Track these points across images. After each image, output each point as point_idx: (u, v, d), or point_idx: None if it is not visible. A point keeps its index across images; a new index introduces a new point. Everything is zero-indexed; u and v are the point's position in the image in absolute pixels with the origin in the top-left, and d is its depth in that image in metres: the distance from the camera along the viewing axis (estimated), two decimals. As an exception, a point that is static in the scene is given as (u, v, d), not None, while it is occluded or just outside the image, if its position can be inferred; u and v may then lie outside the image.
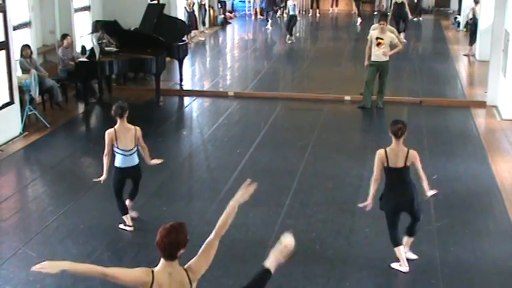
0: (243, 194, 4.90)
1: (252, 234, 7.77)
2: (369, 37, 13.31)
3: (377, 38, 13.01)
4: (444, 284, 6.80)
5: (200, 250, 4.37)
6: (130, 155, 7.87)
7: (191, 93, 14.85)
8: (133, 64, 14.02)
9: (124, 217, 8.03)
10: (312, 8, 28.02)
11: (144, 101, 14.13)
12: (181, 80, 15.64)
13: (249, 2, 28.40)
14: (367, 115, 13.18)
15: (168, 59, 15.06)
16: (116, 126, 7.83)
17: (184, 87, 15.35)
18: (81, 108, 13.65)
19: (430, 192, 7.02)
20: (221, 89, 15.40)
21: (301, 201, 8.87)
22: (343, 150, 11.03)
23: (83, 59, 13.78)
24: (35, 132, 11.78)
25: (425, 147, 10.69)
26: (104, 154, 7.84)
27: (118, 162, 7.89)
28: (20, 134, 11.63)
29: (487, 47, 15.15)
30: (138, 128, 7.96)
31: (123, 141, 7.79)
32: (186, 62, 16.74)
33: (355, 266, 7.20)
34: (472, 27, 19.28)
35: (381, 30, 13.03)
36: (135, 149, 7.92)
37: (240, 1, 29.19)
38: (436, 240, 7.68)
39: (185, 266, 4.28)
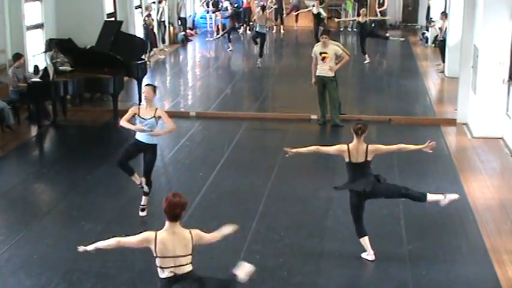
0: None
1: (216, 261, 7.51)
2: (313, 54, 13.40)
3: (321, 53, 13.15)
4: (419, 310, 6.63)
5: (207, 235, 5.54)
6: (147, 124, 8.50)
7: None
8: (89, 84, 13.79)
9: (132, 178, 8.86)
10: (275, 24, 27.93)
11: (101, 123, 13.80)
12: (140, 100, 15.21)
13: (211, 18, 28.17)
14: (335, 134, 13.06)
15: (126, 78, 14.84)
16: (140, 105, 8.73)
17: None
18: (34, 131, 13.29)
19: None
20: (182, 109, 15.16)
21: (268, 226, 8.68)
22: (311, 172, 10.88)
23: (36, 79, 13.46)
24: (-16, 157, 11.38)
25: (395, 166, 10.59)
26: (122, 119, 8.66)
27: (137, 135, 8.69)
28: (-31, 159, 11.19)
29: (456, 63, 15.22)
30: (159, 109, 8.72)
31: (144, 110, 8.55)
32: (145, 81, 16.39)
33: (326, 293, 7.03)
34: (441, 43, 19.33)
35: (323, 44, 13.15)
36: (153, 120, 8.52)
37: (201, 17, 28.97)
38: (407, 264, 7.59)
39: (191, 229, 5.33)
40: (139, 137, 8.68)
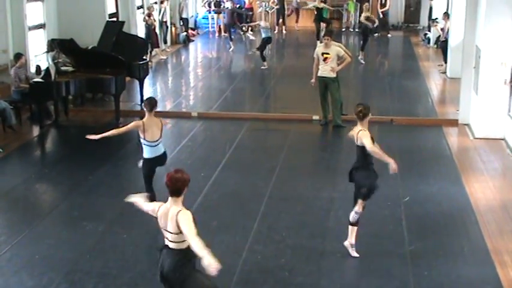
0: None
1: (217, 261, 7.42)
2: (315, 55, 13.41)
3: (323, 54, 13.14)
4: (420, 311, 6.62)
5: (187, 225, 5.34)
6: (156, 145, 8.43)
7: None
8: (91, 84, 13.74)
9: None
10: (277, 24, 27.91)
11: (102, 123, 13.73)
12: (141, 100, 15.21)
13: (212, 18, 28.15)
14: (336, 135, 13.02)
15: (128, 78, 14.81)
16: (144, 119, 8.37)
17: (146, 108, 14.98)
18: (35, 131, 13.25)
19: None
20: (184, 110, 15.11)
21: (269, 226, 8.64)
22: (312, 172, 10.86)
23: (38, 79, 13.45)
24: (-14, 157, 11.37)
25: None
26: (118, 129, 8.63)
27: (146, 154, 8.50)
28: (-29, 159, 11.19)
29: (458, 64, 15.15)
30: (161, 118, 8.65)
31: (150, 134, 8.34)
32: (147, 81, 16.49)
33: (327, 294, 7.01)
34: (443, 43, 19.29)
35: (325, 45, 13.15)
36: (161, 139, 8.50)
37: (203, 18, 28.94)
38: (409, 265, 7.55)
39: (182, 210, 5.42)
40: (149, 154, 8.49)
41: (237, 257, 7.62)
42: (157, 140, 8.40)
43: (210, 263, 5.09)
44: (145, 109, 8.45)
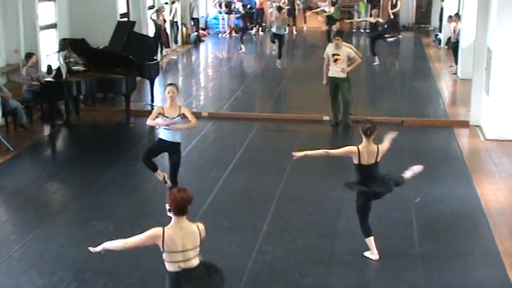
0: None
1: (227, 262, 7.39)
2: (325, 55, 13.38)
3: (333, 55, 13.11)
4: (431, 314, 6.59)
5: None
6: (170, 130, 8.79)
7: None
8: (102, 84, 13.76)
9: (155, 174, 9.18)
10: (288, 25, 27.89)
11: (113, 123, 13.79)
12: (152, 100, 15.31)
13: (223, 19, 28.16)
14: (347, 135, 12.98)
15: (138, 78, 14.81)
16: (164, 105, 8.86)
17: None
18: (46, 130, 13.28)
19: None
20: (194, 110, 15.00)
21: (280, 226, 8.62)
22: (323, 173, 10.80)
23: (49, 79, 13.44)
24: (-3, 156, 11.41)
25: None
26: (148, 119, 8.84)
27: (161, 134, 8.96)
28: (-18, 158, 11.23)
29: (469, 65, 15.11)
30: (183, 106, 9.09)
31: (172, 111, 8.75)
32: (158, 81, 16.46)
33: (337, 295, 7.00)
34: (454, 44, 19.22)
35: (336, 46, 13.11)
36: (178, 118, 8.77)
37: (214, 18, 28.96)
38: (420, 267, 7.51)
39: (196, 223, 5.36)
40: (163, 135, 8.89)
41: (246, 257, 7.60)
42: (173, 117, 8.72)
43: None
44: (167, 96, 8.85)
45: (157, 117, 8.76)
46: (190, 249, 5.26)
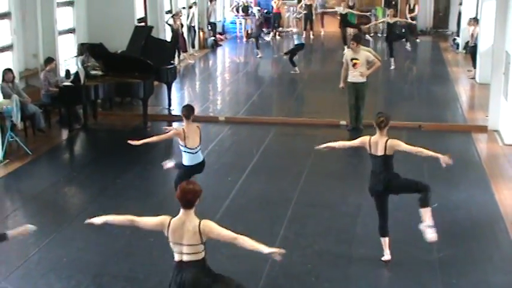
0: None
1: (244, 266, 7.48)
2: (344, 59, 13.35)
3: (352, 59, 13.04)
4: (449, 320, 6.54)
5: (221, 229, 5.37)
6: (196, 152, 8.50)
7: (180, 118, 14.44)
8: (120, 88, 13.82)
9: None
10: (305, 29, 27.87)
11: (131, 127, 13.83)
12: (169, 104, 15.36)
13: (240, 23, 28.20)
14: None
15: (156, 83, 14.87)
16: (184, 127, 8.48)
17: (173, 112, 15.02)
18: (64, 134, 13.34)
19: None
20: (211, 114, 15.12)
21: (296, 232, 8.62)
22: (339, 178, 10.80)
23: (67, 83, 13.52)
24: (16, 160, 11.46)
25: (425, 174, 10.40)
26: (159, 136, 8.73)
27: (186, 161, 8.52)
28: (1, 162, 11.29)
29: (488, 69, 15.00)
30: (197, 124, 8.70)
31: (191, 141, 8.41)
32: (175, 86, 16.53)
33: (354, 300, 6.98)
34: (472, 49, 19.11)
35: (354, 50, 13.06)
36: (200, 146, 8.58)
37: (231, 22, 28.99)
38: (438, 272, 7.48)
39: (202, 220, 5.30)
40: (188, 162, 8.56)
41: (263, 262, 7.53)
42: (197, 147, 8.50)
43: (271, 251, 5.35)
44: (183, 116, 8.54)
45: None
46: (187, 244, 5.32)
